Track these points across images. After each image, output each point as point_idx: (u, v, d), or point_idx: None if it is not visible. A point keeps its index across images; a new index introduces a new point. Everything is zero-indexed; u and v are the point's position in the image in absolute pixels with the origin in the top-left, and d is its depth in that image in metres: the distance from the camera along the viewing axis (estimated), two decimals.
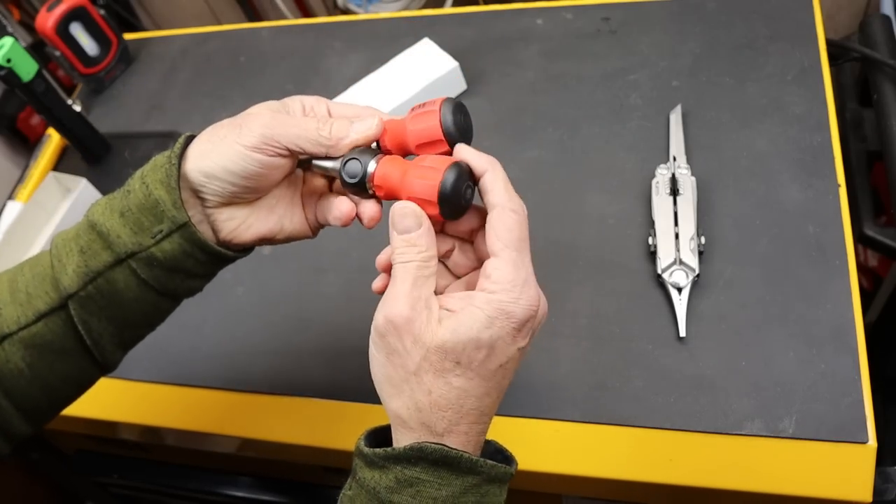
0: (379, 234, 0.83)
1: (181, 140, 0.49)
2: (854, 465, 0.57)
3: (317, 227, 0.53)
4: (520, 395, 0.65)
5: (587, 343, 0.66)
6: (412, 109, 0.47)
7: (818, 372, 0.60)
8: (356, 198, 0.49)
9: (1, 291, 0.50)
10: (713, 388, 0.62)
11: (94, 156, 0.96)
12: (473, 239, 0.47)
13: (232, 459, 0.84)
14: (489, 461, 0.42)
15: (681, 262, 0.66)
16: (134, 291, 0.49)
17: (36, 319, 0.48)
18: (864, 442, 0.57)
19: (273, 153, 0.47)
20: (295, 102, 0.50)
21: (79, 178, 0.89)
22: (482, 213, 0.46)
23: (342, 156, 0.47)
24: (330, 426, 0.68)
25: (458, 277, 0.48)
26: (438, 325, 0.41)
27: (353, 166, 0.46)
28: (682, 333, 0.64)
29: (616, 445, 0.61)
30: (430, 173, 0.43)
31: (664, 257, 0.67)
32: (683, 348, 0.64)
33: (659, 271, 0.67)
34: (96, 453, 0.96)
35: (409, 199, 0.44)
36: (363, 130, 0.47)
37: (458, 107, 0.46)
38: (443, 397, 0.41)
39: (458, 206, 0.44)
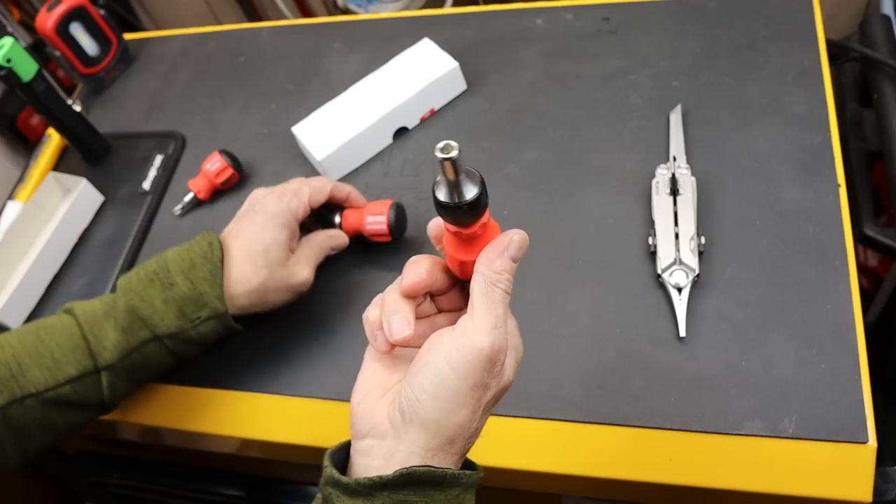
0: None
1: (217, 244, 0.63)
2: (854, 465, 0.57)
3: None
4: (520, 395, 0.65)
5: (587, 343, 0.66)
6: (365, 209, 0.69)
7: (818, 372, 0.60)
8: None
9: (19, 355, 0.57)
10: (713, 388, 0.62)
11: (94, 156, 0.96)
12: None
13: (232, 459, 0.84)
14: (466, 472, 0.43)
15: (681, 262, 0.66)
16: (159, 359, 0.61)
17: (65, 382, 0.57)
18: (864, 442, 0.57)
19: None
20: (301, 195, 0.68)
21: (79, 178, 0.89)
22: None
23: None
24: (330, 426, 0.68)
25: (439, 312, 0.48)
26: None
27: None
28: (682, 333, 0.64)
29: (616, 445, 0.61)
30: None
31: (664, 257, 0.67)
32: (683, 348, 0.64)
33: (659, 271, 0.67)
34: (96, 453, 0.96)
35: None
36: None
37: (399, 213, 0.69)
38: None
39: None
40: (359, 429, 0.44)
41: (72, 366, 0.57)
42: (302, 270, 0.66)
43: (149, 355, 0.60)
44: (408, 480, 0.41)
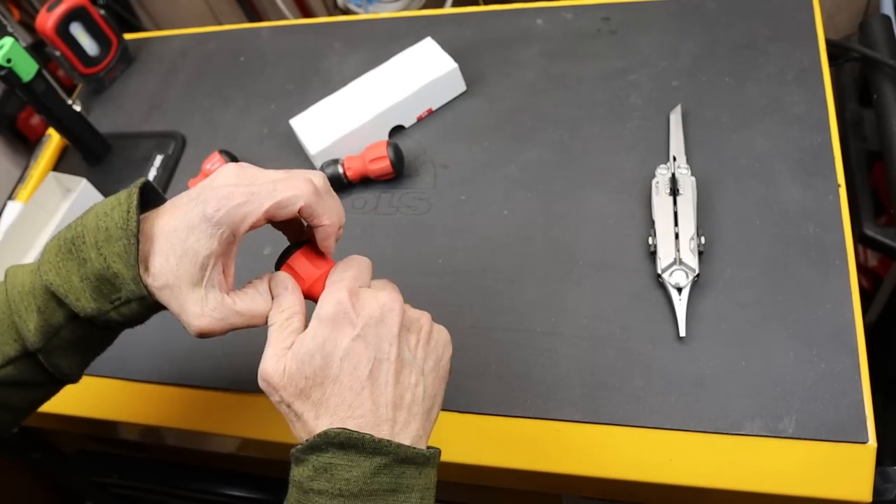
0: (378, 236, 0.83)
1: (134, 212, 0.50)
2: (854, 465, 0.57)
3: None
4: (520, 395, 0.65)
5: (587, 343, 0.66)
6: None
7: (818, 372, 0.60)
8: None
9: None
10: (713, 388, 0.62)
11: (94, 156, 0.96)
12: None
13: (232, 459, 0.84)
14: (395, 441, 0.45)
15: (681, 262, 0.66)
16: (94, 334, 0.54)
17: (4, 364, 0.52)
18: (864, 442, 0.57)
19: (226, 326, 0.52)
20: (255, 204, 0.50)
21: (79, 178, 0.89)
22: None
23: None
24: None
25: None
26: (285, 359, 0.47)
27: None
28: (682, 333, 0.64)
29: (616, 445, 0.61)
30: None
31: (664, 257, 0.67)
32: (683, 348, 0.64)
33: (659, 271, 0.67)
34: (96, 453, 0.96)
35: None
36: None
37: None
38: (309, 412, 0.47)
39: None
40: None
41: (8, 346, 0.52)
42: (199, 318, 0.50)
43: (76, 331, 0.53)
44: (327, 441, 0.44)
